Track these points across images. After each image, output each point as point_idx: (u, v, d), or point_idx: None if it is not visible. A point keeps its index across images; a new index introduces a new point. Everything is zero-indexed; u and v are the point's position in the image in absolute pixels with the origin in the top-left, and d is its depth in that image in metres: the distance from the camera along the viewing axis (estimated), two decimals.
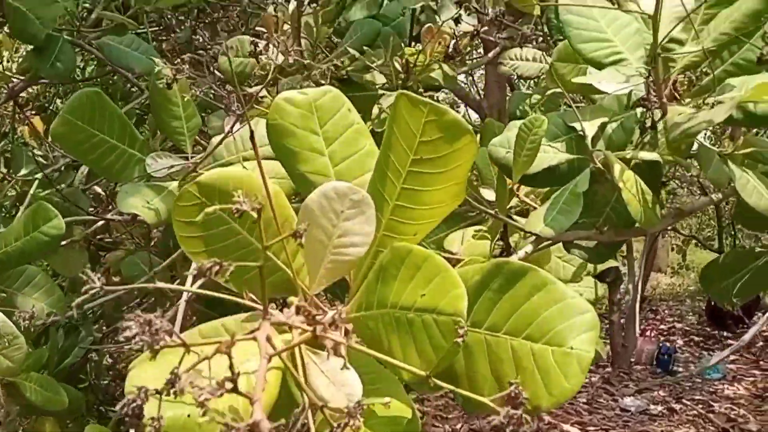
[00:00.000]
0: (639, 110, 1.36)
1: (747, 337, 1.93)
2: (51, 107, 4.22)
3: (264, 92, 2.14)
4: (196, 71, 4.32)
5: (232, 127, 1.56)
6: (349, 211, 0.78)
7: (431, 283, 0.74)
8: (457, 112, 6.01)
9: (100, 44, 2.43)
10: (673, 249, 8.84)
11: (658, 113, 1.36)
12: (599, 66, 1.31)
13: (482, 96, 4.59)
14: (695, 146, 1.38)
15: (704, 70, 1.34)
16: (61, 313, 2.15)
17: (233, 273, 0.86)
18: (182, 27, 4.11)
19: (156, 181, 1.61)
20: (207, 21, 4.39)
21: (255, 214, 0.60)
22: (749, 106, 1.26)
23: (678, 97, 1.40)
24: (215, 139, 1.64)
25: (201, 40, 4.36)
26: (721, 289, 1.81)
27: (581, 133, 1.32)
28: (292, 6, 2.23)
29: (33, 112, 4.17)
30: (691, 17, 1.28)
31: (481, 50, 3.90)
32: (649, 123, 1.34)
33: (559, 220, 1.23)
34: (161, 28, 4.15)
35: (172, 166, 1.57)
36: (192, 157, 1.75)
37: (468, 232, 1.83)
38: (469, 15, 2.04)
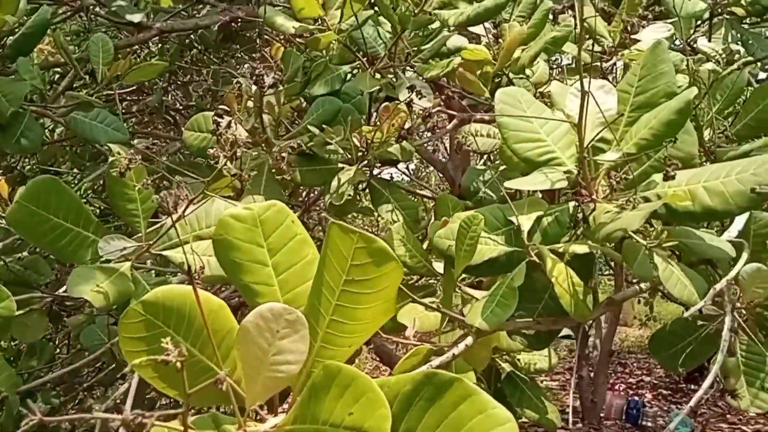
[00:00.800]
0: (572, 204, 1.45)
1: (697, 396, 1.98)
2: (18, 167, 4.24)
3: (228, 165, 2.22)
4: (168, 131, 4.39)
5: (185, 209, 1.60)
6: (284, 330, 0.84)
7: (358, 402, 0.79)
8: (426, 172, 6.16)
9: (68, 119, 2.48)
10: (639, 302, 8.97)
11: (590, 206, 1.46)
12: (533, 164, 1.41)
13: (448, 158, 4.72)
14: None
15: (630, 167, 1.44)
16: (11, 392, 2.15)
17: (176, 382, 0.91)
18: (155, 88, 4.20)
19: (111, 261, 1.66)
20: (180, 82, 4.49)
21: (179, 365, 0.65)
22: (671, 204, 1.36)
23: (611, 187, 1.50)
24: (169, 220, 1.69)
25: (173, 100, 4.45)
26: (669, 357, 1.89)
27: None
28: (254, 87, 2.32)
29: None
30: (617, 120, 1.39)
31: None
32: (581, 216, 1.43)
33: (497, 312, 1.30)
34: (134, 89, 4.24)
35: (124, 248, 1.62)
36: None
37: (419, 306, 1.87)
38: (420, 99, 2.14)
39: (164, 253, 1.74)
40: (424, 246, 2.14)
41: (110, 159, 1.70)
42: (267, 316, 0.84)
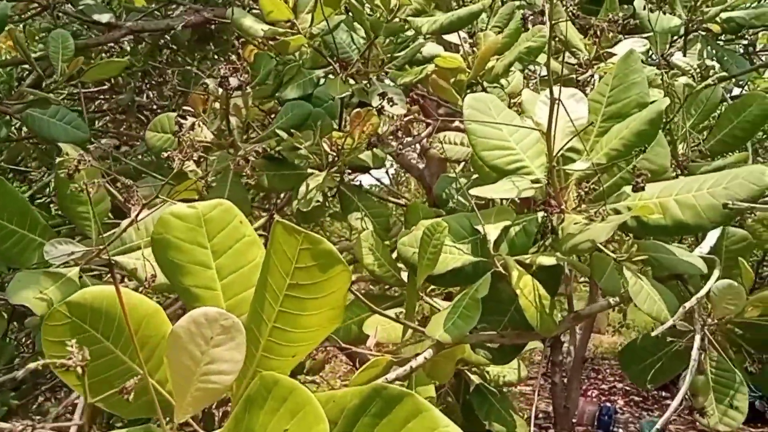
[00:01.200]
0: (540, 214, 1.40)
1: (665, 417, 1.95)
2: None
3: (193, 167, 2.15)
4: (140, 131, 4.29)
5: (137, 214, 1.52)
6: (219, 337, 0.78)
7: (295, 416, 0.73)
8: (405, 177, 6.10)
9: (24, 116, 2.38)
10: (613, 309, 9.00)
11: (560, 216, 1.41)
12: (501, 172, 1.36)
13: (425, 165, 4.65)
14: None
15: (601, 178, 1.40)
16: None
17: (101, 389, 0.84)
18: (127, 87, 4.11)
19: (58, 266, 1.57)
20: (154, 82, 4.40)
21: (80, 370, 0.59)
22: (642, 217, 1.32)
23: (581, 198, 1.46)
24: (123, 224, 1.61)
25: (147, 99, 4.36)
26: (638, 372, 1.86)
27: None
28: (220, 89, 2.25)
29: None
30: (588, 129, 1.35)
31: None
32: (550, 227, 1.38)
33: (459, 325, 1.24)
34: (107, 88, 4.15)
35: (72, 253, 1.53)
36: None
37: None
38: (392, 106, 2.09)
39: (116, 258, 1.66)
40: (394, 255, 2.08)
41: (58, 159, 1.62)
42: (200, 321, 0.77)
